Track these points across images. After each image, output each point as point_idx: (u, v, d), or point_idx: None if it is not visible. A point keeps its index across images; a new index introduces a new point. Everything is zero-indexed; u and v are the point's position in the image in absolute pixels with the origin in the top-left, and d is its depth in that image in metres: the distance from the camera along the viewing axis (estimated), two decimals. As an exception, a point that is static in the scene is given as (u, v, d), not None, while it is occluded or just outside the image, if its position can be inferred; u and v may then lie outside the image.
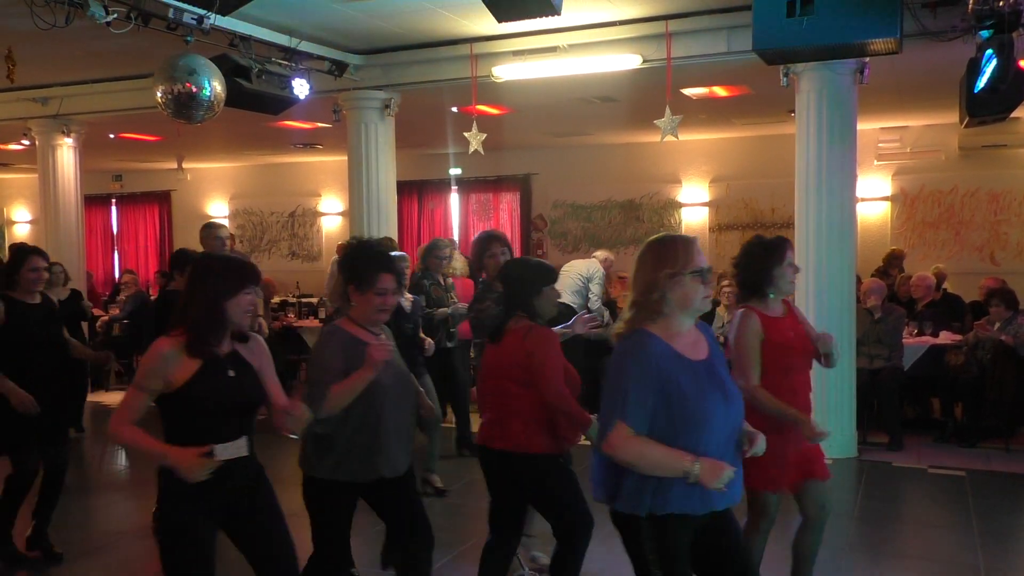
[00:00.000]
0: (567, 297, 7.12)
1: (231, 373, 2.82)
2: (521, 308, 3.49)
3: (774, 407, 3.35)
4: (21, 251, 4.62)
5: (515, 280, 3.56)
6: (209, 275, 2.83)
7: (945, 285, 8.87)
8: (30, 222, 15.95)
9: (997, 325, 6.90)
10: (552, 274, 3.61)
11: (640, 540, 2.52)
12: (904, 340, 7.16)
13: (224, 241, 6.22)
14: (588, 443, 3.25)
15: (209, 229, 6.16)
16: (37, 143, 9.53)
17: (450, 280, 6.66)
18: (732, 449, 2.56)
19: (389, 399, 3.17)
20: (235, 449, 2.79)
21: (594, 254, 8.60)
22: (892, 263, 9.38)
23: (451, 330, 6.29)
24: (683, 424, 2.44)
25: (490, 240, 4.67)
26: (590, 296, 7.68)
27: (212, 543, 2.81)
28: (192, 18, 5.48)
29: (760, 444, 2.60)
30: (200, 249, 5.93)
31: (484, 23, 6.40)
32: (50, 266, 4.98)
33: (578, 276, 7.71)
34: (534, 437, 3.39)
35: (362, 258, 3.28)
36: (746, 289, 3.62)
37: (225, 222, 14.79)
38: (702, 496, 2.46)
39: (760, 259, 3.54)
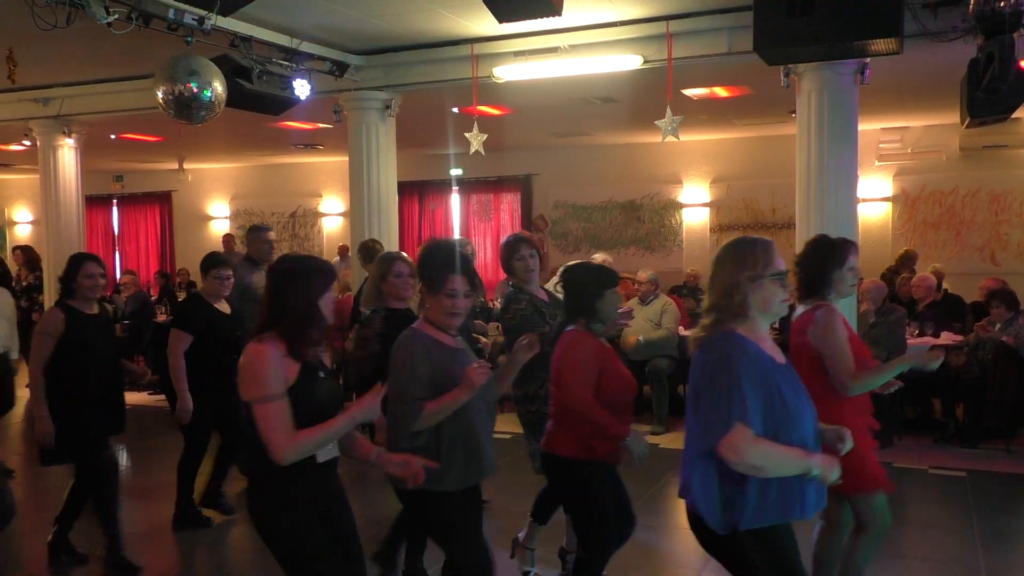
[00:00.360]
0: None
1: (321, 374, 2.78)
2: (583, 313, 3.49)
3: (876, 381, 3.46)
4: (76, 258, 4.49)
5: (578, 285, 3.56)
6: (301, 276, 2.75)
7: (945, 285, 8.87)
8: (31, 223, 15.98)
9: (998, 326, 6.90)
10: (614, 277, 3.61)
11: (751, 561, 2.47)
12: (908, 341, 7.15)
13: (272, 244, 6.19)
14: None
15: (257, 232, 6.10)
16: (38, 144, 9.54)
17: (477, 278, 6.56)
18: (819, 449, 2.54)
19: (479, 402, 3.05)
20: (333, 450, 2.77)
21: (593, 256, 8.59)
22: (905, 263, 9.38)
23: (472, 335, 6.23)
24: (781, 425, 2.42)
25: (518, 243, 4.60)
26: None
27: (336, 548, 2.77)
28: (193, 19, 5.48)
29: (849, 440, 2.63)
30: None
31: (485, 24, 6.40)
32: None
33: None
34: (560, 439, 3.43)
35: (432, 260, 3.16)
36: (806, 289, 3.58)
37: (226, 223, 14.84)
38: (802, 502, 2.45)
39: (819, 261, 3.52)
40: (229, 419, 4.83)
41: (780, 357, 2.58)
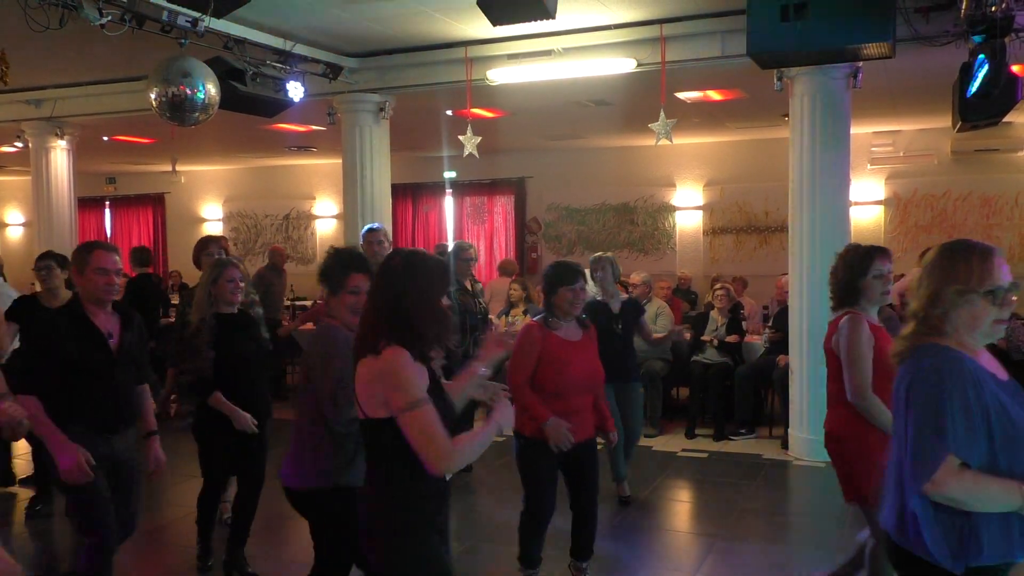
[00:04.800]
0: None
1: (440, 380, 2.61)
2: (547, 307, 4.09)
3: (883, 419, 3.21)
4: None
5: (543, 281, 4.11)
6: (429, 275, 2.52)
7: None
8: (23, 224, 15.91)
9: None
10: (569, 276, 4.04)
11: None
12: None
13: (386, 246, 5.79)
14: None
15: (373, 234, 5.77)
16: (30, 145, 9.50)
17: (479, 285, 6.52)
18: None
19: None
20: None
21: (632, 276, 8.60)
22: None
23: (480, 336, 6.02)
24: (1002, 449, 2.11)
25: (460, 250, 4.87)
26: None
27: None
28: (186, 21, 5.47)
29: None
30: (189, 254, 5.88)
31: (479, 26, 6.41)
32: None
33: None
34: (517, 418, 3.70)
35: (330, 263, 3.25)
36: (837, 298, 3.58)
37: (219, 225, 14.79)
38: (1021, 540, 2.12)
39: (845, 270, 3.52)
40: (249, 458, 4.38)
41: (1002, 373, 2.26)
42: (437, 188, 13.24)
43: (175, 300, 11.36)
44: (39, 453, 4.43)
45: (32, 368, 3.41)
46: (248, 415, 4.17)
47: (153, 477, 3.78)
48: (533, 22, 4.99)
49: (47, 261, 5.39)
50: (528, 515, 4.07)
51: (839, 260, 3.59)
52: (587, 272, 7.83)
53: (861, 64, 6.22)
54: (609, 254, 6.03)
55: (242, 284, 4.27)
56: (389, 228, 8.38)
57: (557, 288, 4.00)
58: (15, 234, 16.15)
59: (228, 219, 14.88)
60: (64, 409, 3.34)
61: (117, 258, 3.53)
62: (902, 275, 9.41)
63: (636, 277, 7.80)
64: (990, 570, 2.13)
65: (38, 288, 5.52)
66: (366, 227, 6.02)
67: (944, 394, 2.09)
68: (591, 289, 7.44)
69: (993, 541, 2.10)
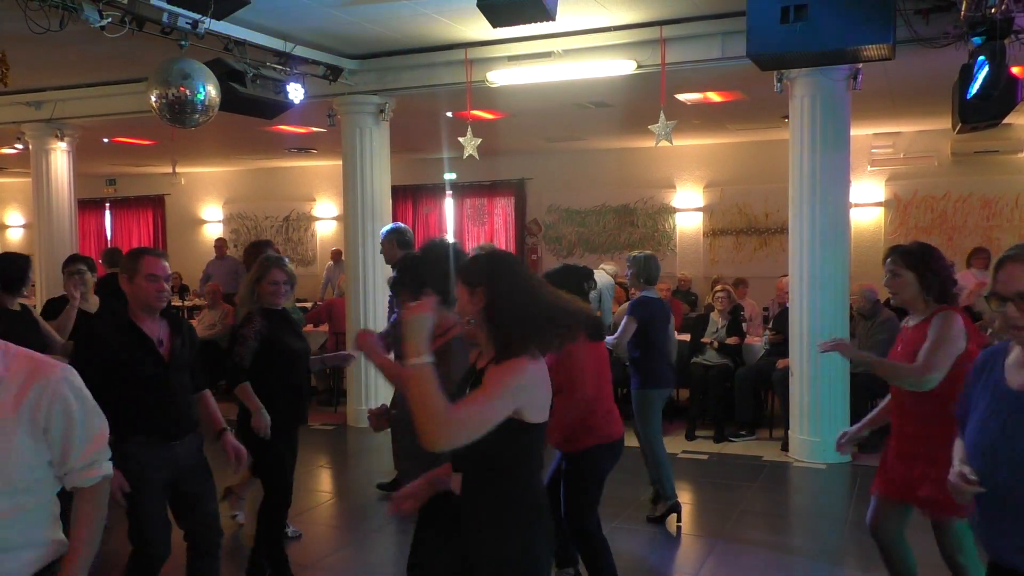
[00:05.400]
0: None
1: None
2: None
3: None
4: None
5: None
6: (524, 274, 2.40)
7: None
8: (23, 226, 15.92)
9: (989, 331, 6.91)
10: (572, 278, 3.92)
11: None
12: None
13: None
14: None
15: (402, 235, 5.72)
16: (30, 147, 9.51)
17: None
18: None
19: None
20: None
21: (602, 266, 8.61)
22: None
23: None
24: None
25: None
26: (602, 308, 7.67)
27: None
28: (187, 22, 5.47)
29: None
30: (193, 254, 5.86)
31: (479, 28, 6.41)
32: (84, 271, 4.91)
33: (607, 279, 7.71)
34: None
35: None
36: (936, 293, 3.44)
37: (219, 227, 14.80)
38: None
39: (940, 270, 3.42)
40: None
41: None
42: (437, 190, 13.25)
43: (175, 302, 11.41)
44: None
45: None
46: (266, 419, 4.01)
47: (237, 470, 3.70)
48: (533, 24, 5.00)
49: (78, 265, 5.15)
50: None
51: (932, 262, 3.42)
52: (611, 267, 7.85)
53: (861, 66, 6.22)
54: (639, 253, 5.73)
55: (285, 287, 4.17)
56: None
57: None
58: (15, 236, 16.16)
59: (228, 221, 14.88)
60: (122, 420, 3.09)
61: (167, 264, 3.48)
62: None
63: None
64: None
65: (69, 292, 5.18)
66: (394, 228, 5.89)
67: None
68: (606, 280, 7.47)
69: None
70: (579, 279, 3.94)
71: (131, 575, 3.39)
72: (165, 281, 3.42)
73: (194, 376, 3.59)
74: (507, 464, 2.29)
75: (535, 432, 2.28)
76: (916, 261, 3.40)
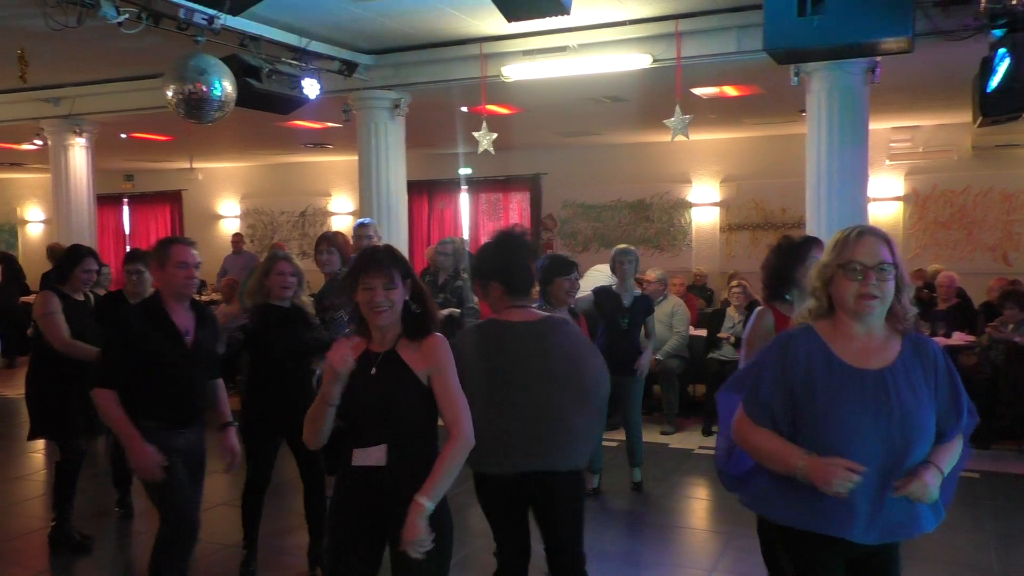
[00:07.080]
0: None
1: None
2: None
3: None
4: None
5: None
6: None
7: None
8: (43, 221, 16.07)
9: (1011, 327, 6.85)
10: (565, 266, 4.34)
11: (775, 551, 2.35)
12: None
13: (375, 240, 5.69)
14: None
15: (364, 228, 5.84)
16: (49, 143, 9.60)
17: (459, 282, 6.55)
18: (886, 478, 2.23)
19: None
20: None
21: (598, 266, 8.56)
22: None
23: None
24: (803, 427, 2.26)
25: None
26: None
27: None
28: (203, 18, 5.49)
29: (913, 486, 2.21)
30: (210, 249, 5.92)
31: (494, 23, 6.40)
32: (100, 268, 4.98)
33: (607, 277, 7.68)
34: None
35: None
36: (768, 289, 3.59)
37: (236, 222, 14.89)
38: (840, 518, 2.21)
39: (781, 259, 3.51)
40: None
41: (870, 361, 2.26)
42: (452, 185, 13.26)
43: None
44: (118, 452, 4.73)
45: (110, 361, 3.40)
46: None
47: (228, 469, 3.73)
48: (548, 18, 4.99)
49: (136, 264, 4.99)
50: None
51: (774, 250, 3.75)
52: (607, 266, 7.86)
53: (879, 59, 6.17)
54: (634, 248, 6.02)
55: (292, 279, 4.24)
56: (405, 225, 8.40)
57: (553, 279, 4.27)
58: (35, 231, 16.32)
59: (245, 216, 14.97)
60: (140, 403, 3.35)
61: (196, 252, 3.55)
62: (918, 270, 9.36)
63: (651, 274, 7.78)
64: (799, 535, 2.27)
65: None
66: (357, 222, 6.08)
67: (756, 362, 2.37)
68: (605, 278, 7.45)
69: (758, 494, 2.37)
70: (568, 267, 4.38)
71: (167, 552, 3.42)
72: (195, 268, 3.52)
73: (212, 365, 3.69)
74: (427, 427, 2.56)
75: None
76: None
